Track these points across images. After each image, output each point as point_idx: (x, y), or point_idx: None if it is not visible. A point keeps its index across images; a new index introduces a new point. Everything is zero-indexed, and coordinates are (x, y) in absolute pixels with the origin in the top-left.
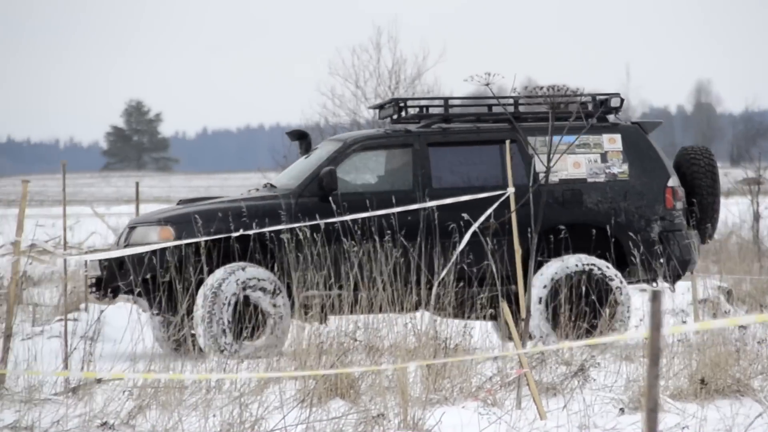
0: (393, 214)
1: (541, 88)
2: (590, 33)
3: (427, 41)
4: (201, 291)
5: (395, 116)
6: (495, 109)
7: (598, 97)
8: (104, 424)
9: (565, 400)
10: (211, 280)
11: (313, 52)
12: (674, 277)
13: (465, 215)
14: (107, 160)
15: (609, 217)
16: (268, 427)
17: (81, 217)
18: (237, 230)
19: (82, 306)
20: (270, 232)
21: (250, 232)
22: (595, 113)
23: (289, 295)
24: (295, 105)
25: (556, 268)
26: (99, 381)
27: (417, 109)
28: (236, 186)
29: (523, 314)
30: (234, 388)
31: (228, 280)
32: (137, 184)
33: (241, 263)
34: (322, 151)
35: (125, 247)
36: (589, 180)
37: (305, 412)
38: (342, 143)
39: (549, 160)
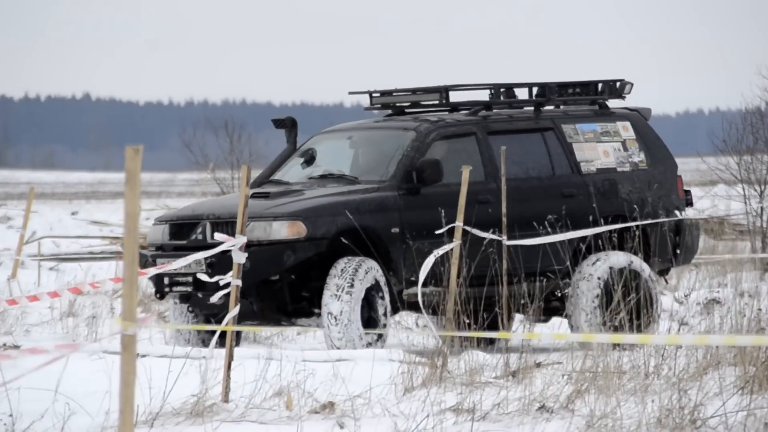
0: (476, 208)
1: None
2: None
3: None
4: (335, 284)
5: (442, 102)
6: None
7: (610, 82)
8: (543, 407)
9: None
10: (348, 274)
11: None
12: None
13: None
14: None
15: (640, 209)
16: (707, 414)
17: None
18: (355, 225)
19: None
20: (379, 227)
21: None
22: (609, 97)
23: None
24: (735, 89)
25: (608, 263)
26: (538, 365)
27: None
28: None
29: None
30: (672, 374)
31: (366, 275)
32: None
33: (364, 258)
34: (385, 140)
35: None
36: (619, 169)
37: (746, 399)
38: (415, 132)
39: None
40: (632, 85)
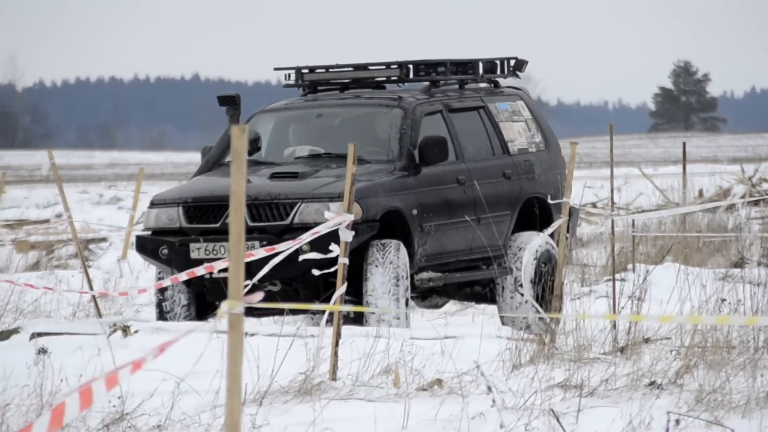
0: (476, 185)
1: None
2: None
3: None
4: (393, 267)
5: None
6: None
7: (507, 59)
8: (652, 383)
9: None
10: (401, 258)
11: None
12: None
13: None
14: (654, 121)
15: (549, 189)
16: None
17: (629, 178)
18: (396, 206)
19: (629, 266)
20: (405, 208)
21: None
22: (507, 75)
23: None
24: None
25: (537, 245)
26: (647, 341)
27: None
28: None
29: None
30: None
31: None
32: (684, 144)
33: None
34: (369, 118)
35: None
36: (530, 150)
37: None
38: (400, 109)
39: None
40: (527, 63)
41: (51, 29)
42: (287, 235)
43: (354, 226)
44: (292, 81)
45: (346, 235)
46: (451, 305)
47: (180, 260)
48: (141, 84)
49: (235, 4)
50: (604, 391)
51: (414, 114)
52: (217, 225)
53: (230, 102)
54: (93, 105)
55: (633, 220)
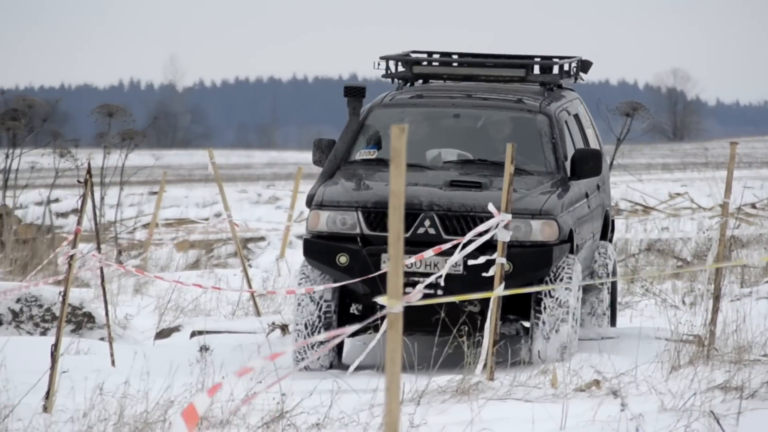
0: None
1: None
2: None
3: None
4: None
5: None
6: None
7: (570, 59)
8: None
9: None
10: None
11: None
12: None
13: None
14: None
15: (609, 201)
16: None
17: None
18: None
19: None
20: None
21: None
22: (575, 76)
23: None
24: None
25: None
26: None
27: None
28: None
29: None
30: None
31: None
32: None
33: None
34: (511, 123)
35: None
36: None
37: None
38: (544, 115)
39: None
40: (592, 64)
41: (211, 30)
42: (487, 252)
43: (554, 246)
44: (383, 71)
45: (504, 235)
46: None
47: (365, 270)
48: (299, 84)
49: (394, 4)
50: (765, 393)
51: (558, 121)
52: (407, 235)
53: (356, 93)
54: (252, 105)
55: None
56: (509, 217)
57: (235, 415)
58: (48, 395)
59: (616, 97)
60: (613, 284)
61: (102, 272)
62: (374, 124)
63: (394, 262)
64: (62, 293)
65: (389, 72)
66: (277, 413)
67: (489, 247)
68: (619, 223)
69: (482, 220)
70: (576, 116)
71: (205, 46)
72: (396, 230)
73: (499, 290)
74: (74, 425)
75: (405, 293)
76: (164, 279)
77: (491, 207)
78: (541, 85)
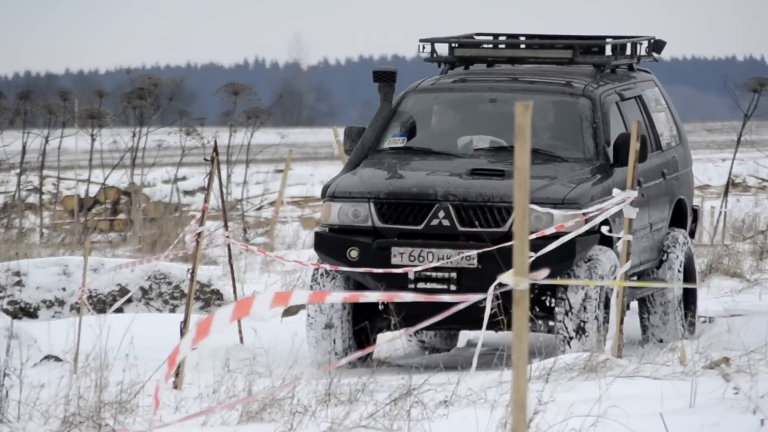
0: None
1: None
2: None
3: None
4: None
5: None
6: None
7: (640, 39)
8: None
9: None
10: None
11: None
12: None
13: None
14: None
15: (687, 191)
16: None
17: None
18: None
19: None
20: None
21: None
22: (647, 57)
23: None
24: None
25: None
26: None
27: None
28: None
29: None
30: None
31: None
32: None
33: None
34: (552, 107)
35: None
36: (672, 144)
37: None
38: (587, 99)
39: None
40: (666, 43)
41: (335, 8)
42: (504, 244)
43: (584, 236)
44: (423, 55)
45: (630, 212)
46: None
47: (376, 265)
48: (422, 62)
49: None
50: None
51: (603, 105)
52: (420, 227)
53: (386, 78)
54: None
55: None
56: (635, 193)
57: (363, 392)
58: (177, 372)
59: (743, 72)
60: (687, 271)
61: (230, 250)
62: (407, 111)
63: (519, 240)
64: (190, 271)
65: (434, 56)
66: (404, 390)
67: (507, 239)
68: (747, 200)
69: (500, 211)
70: (640, 99)
71: (330, 24)
72: (521, 207)
73: (627, 266)
74: (203, 402)
75: (417, 289)
76: (284, 260)
77: (616, 191)
78: (594, 67)
